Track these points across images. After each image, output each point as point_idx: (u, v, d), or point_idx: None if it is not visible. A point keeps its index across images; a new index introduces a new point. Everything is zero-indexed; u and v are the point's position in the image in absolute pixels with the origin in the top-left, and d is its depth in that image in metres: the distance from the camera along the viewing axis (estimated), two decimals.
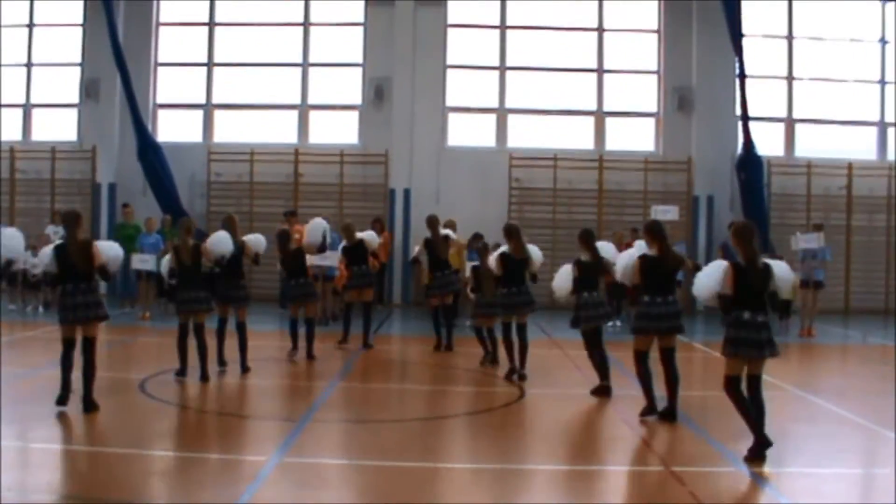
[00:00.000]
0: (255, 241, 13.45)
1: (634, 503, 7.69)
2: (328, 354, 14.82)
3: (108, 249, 10.55)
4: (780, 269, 9.06)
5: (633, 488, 8.13)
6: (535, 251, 12.95)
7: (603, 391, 11.51)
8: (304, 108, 24.78)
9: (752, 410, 8.61)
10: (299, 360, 14.00)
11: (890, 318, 22.02)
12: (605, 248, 11.85)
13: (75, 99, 24.72)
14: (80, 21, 24.68)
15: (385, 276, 21.93)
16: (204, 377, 11.98)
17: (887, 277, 23.87)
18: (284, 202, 22.91)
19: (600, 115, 24.60)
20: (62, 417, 9.75)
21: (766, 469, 8.36)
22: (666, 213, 22.06)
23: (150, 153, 23.01)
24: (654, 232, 10.27)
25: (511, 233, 13.02)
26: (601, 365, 11.61)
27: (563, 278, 11.78)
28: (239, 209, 23.50)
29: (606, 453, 9.40)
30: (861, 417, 10.53)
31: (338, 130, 24.64)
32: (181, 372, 12.09)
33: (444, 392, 12.42)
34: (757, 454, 8.45)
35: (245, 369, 12.82)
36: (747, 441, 8.77)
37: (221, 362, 12.80)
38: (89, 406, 9.92)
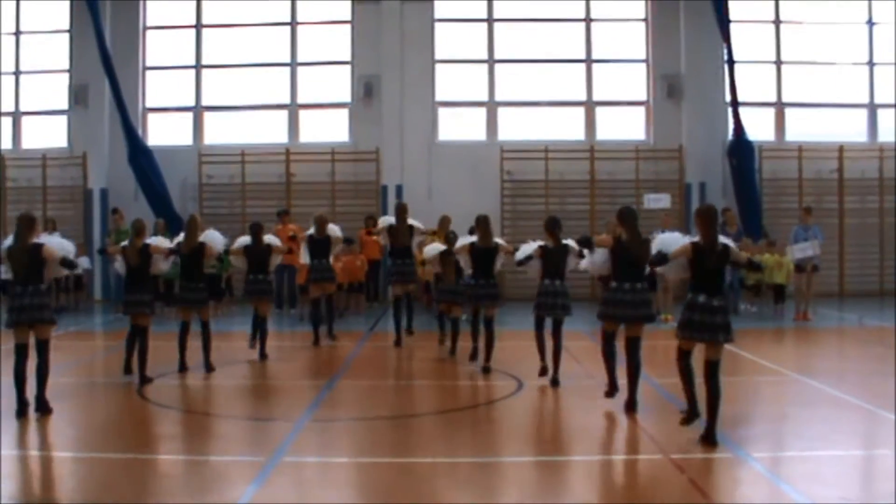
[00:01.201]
0: (212, 238, 13.41)
1: (634, 491, 7.69)
2: (320, 354, 14.87)
3: (59, 247, 10.52)
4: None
5: (632, 477, 8.14)
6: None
7: (544, 371, 11.82)
8: (293, 108, 24.75)
9: (692, 383, 8.89)
10: (277, 359, 14.18)
11: (885, 300, 22.08)
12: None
13: (64, 105, 24.69)
14: (67, 27, 24.65)
15: (379, 272, 21.90)
16: (143, 380, 11.85)
17: (881, 259, 23.91)
18: (277, 202, 22.88)
19: (590, 106, 24.60)
20: (60, 424, 9.75)
21: (766, 453, 8.39)
22: (658, 200, 22.11)
23: (140, 157, 22.99)
24: (623, 218, 10.27)
25: (479, 222, 13.13)
26: (541, 351, 11.86)
27: (523, 251, 12.01)
28: (231, 211, 23.61)
29: (606, 442, 9.41)
30: (859, 399, 10.55)
31: (328, 129, 24.64)
32: (127, 370, 12.12)
33: (443, 387, 12.41)
34: (687, 422, 8.94)
35: (209, 369, 12.86)
36: (745, 427, 8.80)
37: (182, 367, 12.80)
38: (41, 406, 9.91)
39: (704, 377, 8.63)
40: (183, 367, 12.80)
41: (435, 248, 14.83)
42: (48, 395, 10.03)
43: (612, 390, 10.49)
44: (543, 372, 11.82)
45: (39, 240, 10.33)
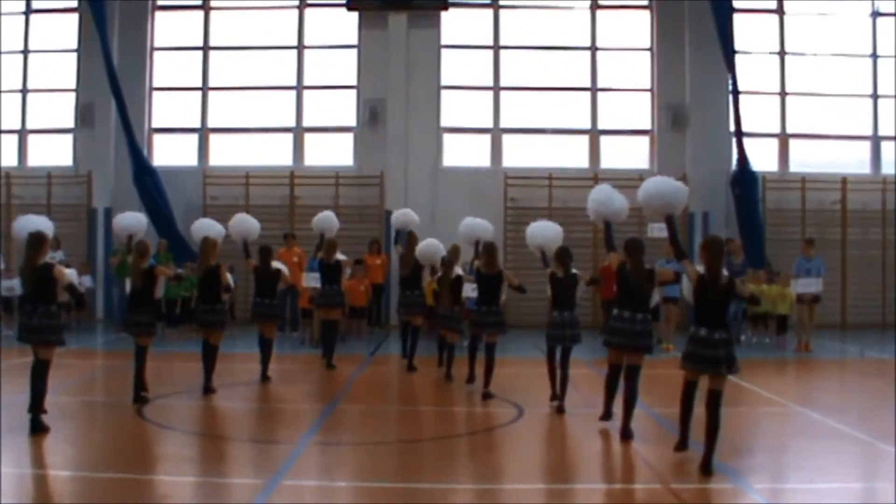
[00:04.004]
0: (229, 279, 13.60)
1: None
2: (321, 377, 14.88)
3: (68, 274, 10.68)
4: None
5: None
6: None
7: (554, 397, 11.91)
8: (298, 131, 24.83)
9: (689, 416, 9.02)
10: (278, 381, 14.18)
11: (887, 332, 22.02)
12: None
13: (71, 124, 24.78)
14: (75, 46, 24.77)
15: (382, 297, 21.92)
16: (136, 399, 11.88)
17: (883, 291, 23.86)
18: (280, 225, 22.86)
19: (595, 134, 24.67)
20: (59, 443, 9.75)
21: (765, 485, 8.37)
22: (662, 230, 22.02)
23: (145, 178, 23.05)
24: (629, 248, 10.44)
25: (483, 249, 13.28)
26: (551, 380, 11.97)
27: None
28: None
29: (604, 471, 9.38)
30: (860, 432, 10.52)
31: (333, 152, 24.70)
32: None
33: (443, 412, 12.40)
34: (679, 448, 9.06)
35: (207, 391, 12.79)
36: (746, 457, 8.77)
37: (207, 388, 12.86)
38: (36, 427, 9.97)
39: (706, 406, 8.63)
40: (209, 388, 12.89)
41: (431, 244, 14.97)
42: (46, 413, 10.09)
43: (605, 416, 10.64)
44: (554, 397, 11.91)
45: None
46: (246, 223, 14.98)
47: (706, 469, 8.43)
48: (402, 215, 17.07)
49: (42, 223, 11.08)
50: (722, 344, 8.63)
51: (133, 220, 13.93)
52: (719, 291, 8.73)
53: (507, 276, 13.09)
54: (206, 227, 13.96)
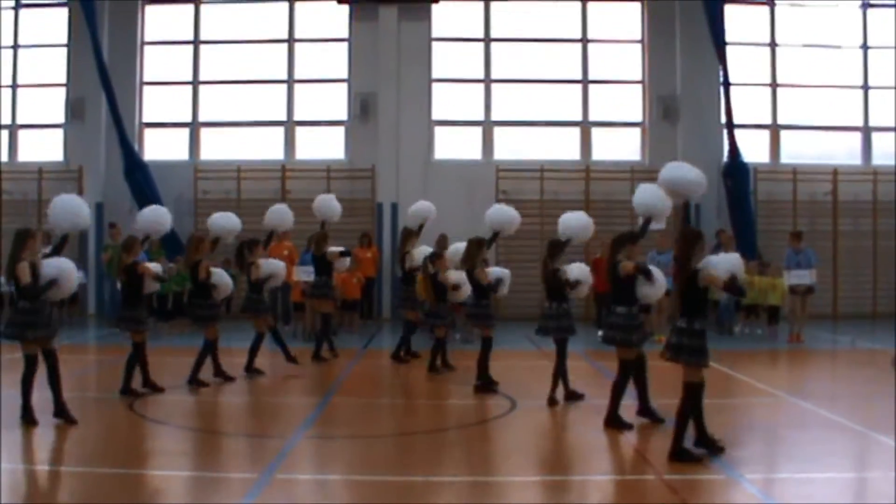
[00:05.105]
0: (219, 275, 13.50)
1: None
2: (314, 371, 14.87)
3: (52, 267, 10.40)
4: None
5: (624, 497, 8.10)
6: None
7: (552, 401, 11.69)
8: (290, 125, 24.79)
9: (699, 417, 8.84)
10: (278, 375, 14.22)
11: (878, 322, 22.09)
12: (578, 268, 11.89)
13: (61, 119, 24.71)
14: (65, 41, 24.70)
15: (374, 290, 21.92)
16: (145, 385, 12.10)
17: (874, 281, 23.96)
18: None
19: (586, 126, 24.67)
20: (52, 437, 9.73)
21: (758, 475, 8.39)
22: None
23: (136, 172, 22.99)
24: (613, 242, 10.44)
25: (467, 244, 13.33)
26: (554, 375, 11.78)
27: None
28: None
29: (598, 462, 9.36)
30: (851, 421, 10.55)
31: (324, 146, 24.67)
32: (144, 384, 12.21)
33: (436, 406, 12.41)
34: (710, 450, 8.84)
35: (192, 382, 12.84)
36: (739, 448, 8.79)
37: (199, 381, 12.94)
38: (61, 414, 10.05)
39: (681, 396, 8.71)
40: (200, 382, 12.95)
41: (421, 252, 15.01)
42: (41, 406, 10.14)
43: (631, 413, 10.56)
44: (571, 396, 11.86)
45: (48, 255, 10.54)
46: (283, 214, 15.17)
47: (672, 454, 8.59)
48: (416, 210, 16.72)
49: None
50: (676, 331, 8.72)
51: (155, 223, 13.04)
52: (683, 282, 8.76)
53: (477, 274, 13.03)
54: (221, 220, 13.92)
